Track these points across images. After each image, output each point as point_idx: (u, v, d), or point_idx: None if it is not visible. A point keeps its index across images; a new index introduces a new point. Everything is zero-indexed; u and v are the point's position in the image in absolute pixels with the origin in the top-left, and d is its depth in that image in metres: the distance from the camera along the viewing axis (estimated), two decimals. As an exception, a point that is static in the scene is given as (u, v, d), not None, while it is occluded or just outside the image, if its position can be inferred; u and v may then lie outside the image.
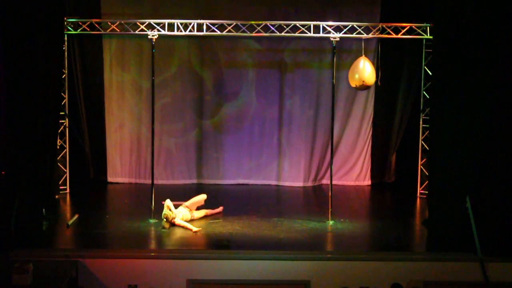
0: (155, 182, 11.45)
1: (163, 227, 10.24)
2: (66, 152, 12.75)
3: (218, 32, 11.79)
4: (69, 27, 12.14)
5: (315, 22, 11.64)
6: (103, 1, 13.06)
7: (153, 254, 9.20)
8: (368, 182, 13.87)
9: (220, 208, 11.31)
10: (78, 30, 12.21)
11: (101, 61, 13.38)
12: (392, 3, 13.05)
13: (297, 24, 11.72)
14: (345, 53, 13.08)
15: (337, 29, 11.63)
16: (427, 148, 12.05)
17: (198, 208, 10.96)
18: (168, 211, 10.29)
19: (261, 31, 11.91)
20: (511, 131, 9.39)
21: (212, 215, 11.05)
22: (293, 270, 8.88)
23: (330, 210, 10.84)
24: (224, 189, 13.35)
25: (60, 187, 12.55)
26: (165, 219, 10.25)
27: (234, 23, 11.78)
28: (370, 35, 12.05)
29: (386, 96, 13.53)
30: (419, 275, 8.79)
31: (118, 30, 12.16)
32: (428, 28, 12.08)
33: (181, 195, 12.16)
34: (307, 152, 13.68)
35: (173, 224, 10.33)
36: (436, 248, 9.52)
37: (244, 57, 13.53)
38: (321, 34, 11.61)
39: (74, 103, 13.05)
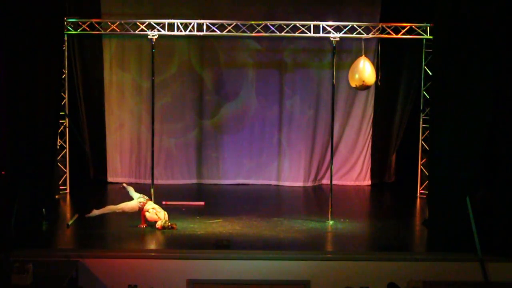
0: (155, 182, 11.47)
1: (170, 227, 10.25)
2: (66, 152, 12.74)
3: (218, 32, 11.79)
4: (69, 27, 12.14)
5: (315, 22, 11.64)
6: (103, 1, 13.06)
7: (153, 254, 9.20)
8: (368, 182, 13.87)
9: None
10: (78, 30, 12.21)
11: (101, 61, 13.38)
12: (392, 3, 13.04)
13: (297, 24, 11.72)
14: (345, 53, 13.08)
15: (337, 29, 11.63)
16: (427, 148, 12.04)
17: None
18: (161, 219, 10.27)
19: (261, 31, 11.91)
20: (511, 130, 9.39)
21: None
22: (293, 270, 8.87)
23: (330, 210, 10.83)
24: (224, 189, 13.35)
25: (60, 187, 12.54)
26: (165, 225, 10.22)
27: (234, 23, 11.78)
28: (370, 35, 12.05)
29: (386, 96, 13.53)
30: (419, 275, 8.78)
31: (118, 30, 12.15)
32: (428, 28, 12.07)
33: (181, 195, 12.19)
34: (307, 152, 13.67)
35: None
36: (436, 248, 9.51)
37: (244, 57, 13.53)
38: (321, 34, 11.61)
39: (74, 103, 13.06)
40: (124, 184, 10.95)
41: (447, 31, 9.78)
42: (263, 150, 13.74)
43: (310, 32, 11.66)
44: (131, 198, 10.39)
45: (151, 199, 10.57)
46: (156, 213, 10.20)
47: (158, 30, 11.53)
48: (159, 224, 10.13)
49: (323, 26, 11.59)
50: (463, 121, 9.59)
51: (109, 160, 13.66)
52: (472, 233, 9.14)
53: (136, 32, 11.85)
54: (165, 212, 10.29)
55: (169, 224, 10.12)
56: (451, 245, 9.34)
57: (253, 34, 11.95)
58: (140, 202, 10.21)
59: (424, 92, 12.71)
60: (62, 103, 12.32)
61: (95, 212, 10.12)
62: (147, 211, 10.19)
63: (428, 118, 11.98)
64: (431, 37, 11.90)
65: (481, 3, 9.44)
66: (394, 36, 12.07)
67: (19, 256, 8.49)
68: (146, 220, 10.28)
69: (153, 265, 8.83)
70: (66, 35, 12.12)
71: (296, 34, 11.80)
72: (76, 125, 13.08)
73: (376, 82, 12.08)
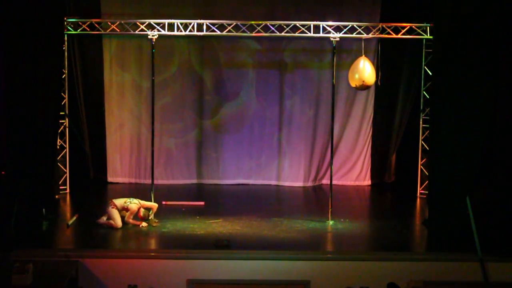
0: (155, 182, 11.48)
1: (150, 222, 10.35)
2: (66, 152, 12.74)
3: (218, 32, 11.79)
4: (69, 27, 12.14)
5: (315, 22, 11.65)
6: (103, 1, 13.06)
7: (153, 254, 9.20)
8: (368, 182, 13.87)
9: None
10: (78, 30, 12.21)
11: (101, 61, 13.38)
12: (392, 3, 13.04)
13: (297, 24, 11.72)
14: (345, 53, 13.08)
15: (337, 29, 11.63)
16: (427, 148, 12.05)
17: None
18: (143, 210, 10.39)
19: (261, 31, 11.91)
20: (511, 130, 9.40)
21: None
22: (293, 270, 8.88)
23: (330, 210, 10.83)
24: (224, 189, 13.35)
25: (60, 187, 12.54)
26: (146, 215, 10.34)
27: (234, 23, 11.78)
28: (370, 35, 12.05)
29: (386, 96, 13.53)
30: (419, 275, 8.79)
31: (118, 30, 12.15)
32: (428, 28, 12.08)
33: (181, 195, 12.18)
34: (307, 152, 13.67)
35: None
36: (436, 248, 9.52)
37: (244, 57, 13.53)
38: (321, 34, 11.61)
39: (74, 103, 13.05)
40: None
41: (447, 31, 9.78)
42: (263, 150, 13.73)
43: (310, 32, 11.66)
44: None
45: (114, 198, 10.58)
46: (129, 204, 10.34)
47: (158, 30, 11.53)
48: (141, 215, 10.31)
49: (323, 26, 11.59)
50: (463, 121, 9.60)
51: (109, 160, 13.66)
52: (472, 233, 9.15)
53: (136, 32, 11.85)
54: (136, 201, 10.43)
55: (147, 209, 10.30)
56: (451, 245, 9.36)
57: (253, 34, 11.95)
58: (111, 208, 10.26)
59: (424, 92, 12.71)
60: (62, 103, 12.33)
61: (104, 219, 10.22)
62: (125, 209, 10.30)
63: (428, 118, 11.98)
64: (431, 37, 11.91)
65: (481, 3, 9.44)
66: (394, 36, 12.07)
67: (19, 256, 8.50)
68: (139, 218, 10.34)
69: (153, 265, 8.83)
70: (66, 35, 12.13)
71: (296, 34, 11.80)
72: (76, 125, 13.07)
73: (376, 82, 12.08)
